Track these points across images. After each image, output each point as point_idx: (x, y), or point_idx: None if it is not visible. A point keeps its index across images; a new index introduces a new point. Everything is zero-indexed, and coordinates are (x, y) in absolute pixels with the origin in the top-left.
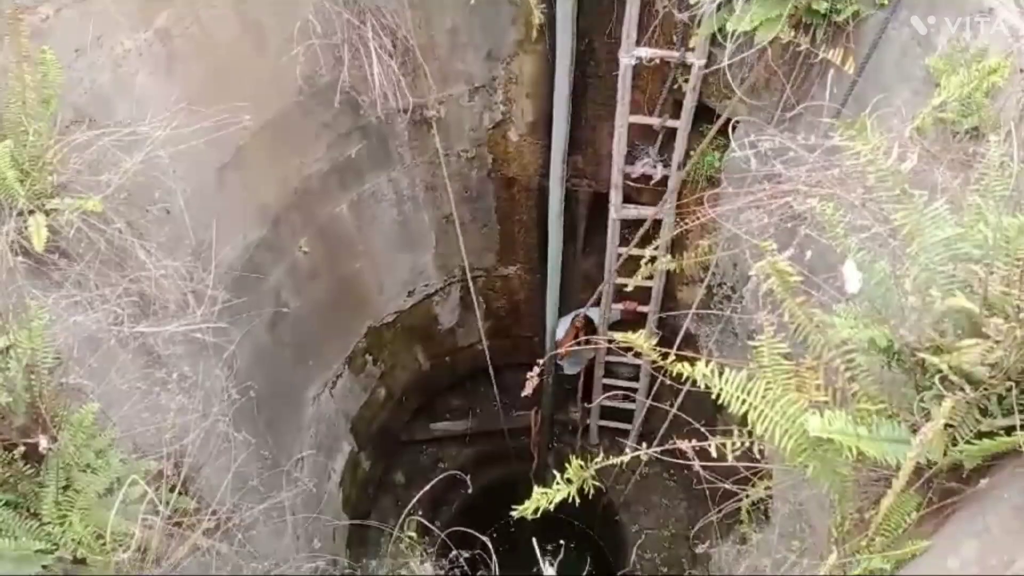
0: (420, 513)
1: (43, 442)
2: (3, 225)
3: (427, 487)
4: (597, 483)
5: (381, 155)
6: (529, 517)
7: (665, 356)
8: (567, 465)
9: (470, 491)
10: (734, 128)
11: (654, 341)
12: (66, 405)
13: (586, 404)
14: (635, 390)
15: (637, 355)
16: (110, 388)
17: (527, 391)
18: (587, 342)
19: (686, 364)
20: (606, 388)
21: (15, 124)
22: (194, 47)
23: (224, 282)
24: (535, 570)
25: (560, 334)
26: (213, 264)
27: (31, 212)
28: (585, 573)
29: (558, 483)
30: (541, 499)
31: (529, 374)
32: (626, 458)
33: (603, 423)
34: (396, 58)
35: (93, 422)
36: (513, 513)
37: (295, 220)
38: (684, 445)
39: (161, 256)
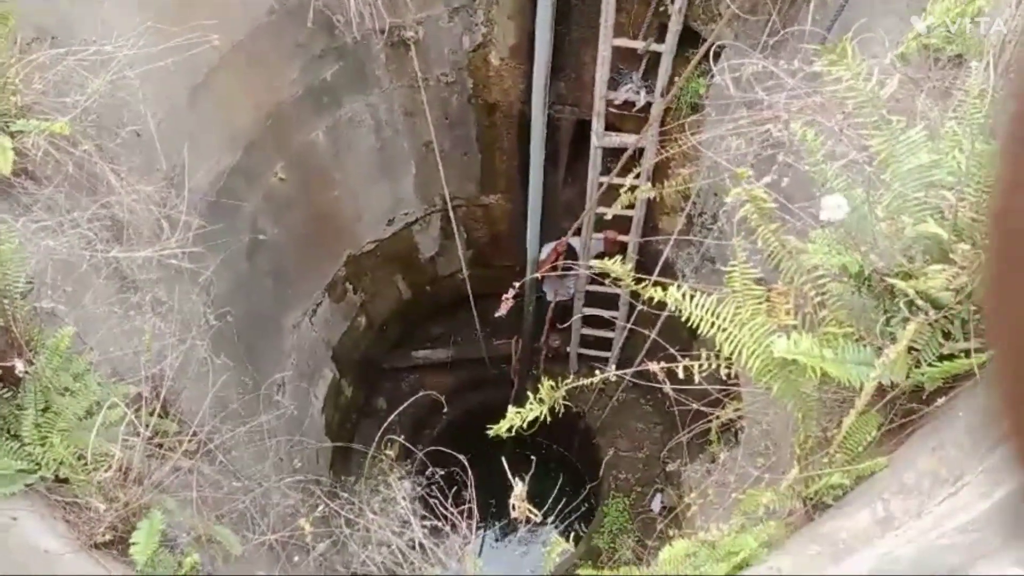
0: (402, 437)
1: (19, 365)
2: None
3: (406, 404)
4: (573, 406)
5: (358, 78)
6: (506, 436)
7: (640, 282)
8: (540, 386)
9: (450, 414)
10: (717, 54)
11: (632, 268)
12: (41, 329)
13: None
14: (615, 318)
15: (616, 283)
16: (85, 313)
17: (502, 311)
18: (567, 270)
19: (659, 289)
20: (586, 317)
21: None
22: None
23: (198, 208)
24: (509, 495)
25: (543, 251)
26: (186, 189)
27: None
28: (558, 486)
29: (531, 403)
30: (515, 417)
31: (505, 296)
32: (597, 379)
33: (582, 351)
34: None
35: (69, 346)
36: (488, 431)
37: (270, 145)
38: (654, 367)
39: (133, 180)
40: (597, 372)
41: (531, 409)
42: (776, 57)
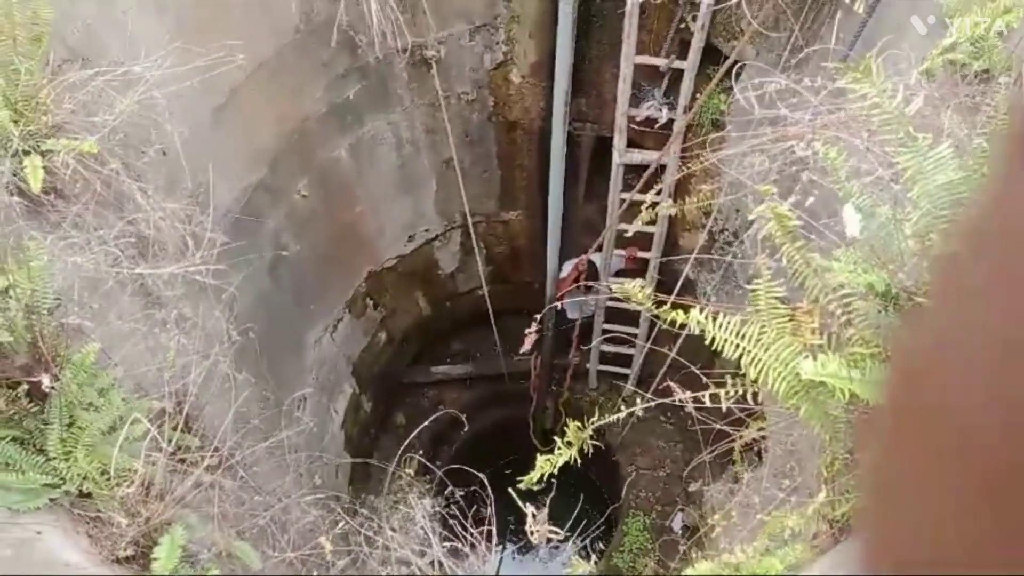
0: (420, 453)
1: (45, 380)
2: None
3: (426, 423)
4: (600, 440)
5: (380, 97)
6: (525, 450)
7: (660, 305)
8: (563, 417)
9: (469, 431)
10: (739, 72)
11: (652, 288)
12: (67, 345)
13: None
14: (635, 335)
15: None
16: (110, 329)
17: (526, 347)
18: (588, 288)
19: (680, 311)
20: (606, 333)
21: (6, 63)
22: None
23: (222, 225)
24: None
25: (565, 268)
26: (211, 206)
27: (26, 153)
28: (579, 505)
29: (559, 448)
30: (545, 466)
31: (527, 330)
32: (622, 415)
33: (602, 368)
34: None
35: (94, 361)
36: (520, 483)
37: (293, 163)
38: (677, 391)
39: (159, 198)
40: (621, 405)
41: (560, 454)
42: (799, 74)
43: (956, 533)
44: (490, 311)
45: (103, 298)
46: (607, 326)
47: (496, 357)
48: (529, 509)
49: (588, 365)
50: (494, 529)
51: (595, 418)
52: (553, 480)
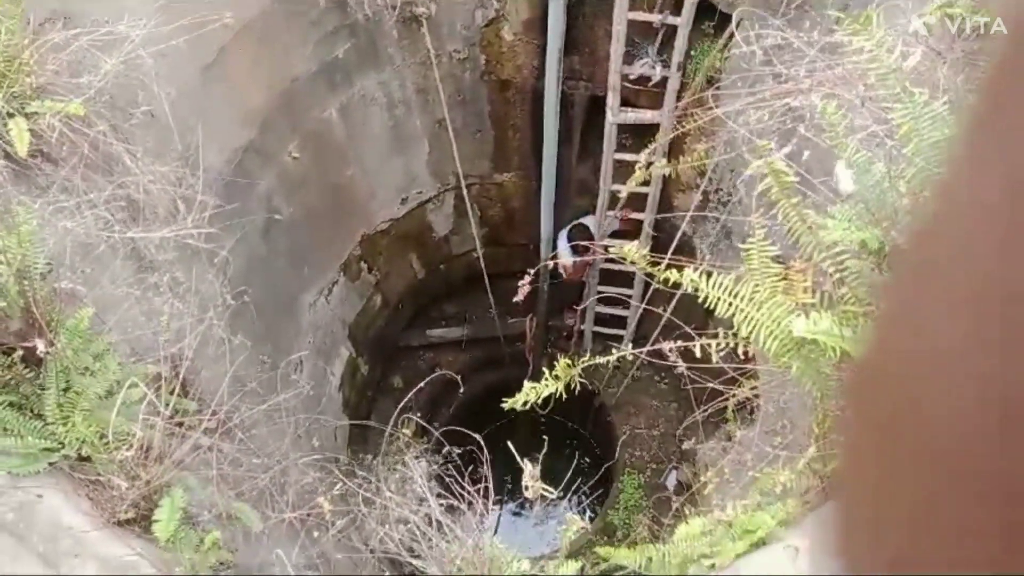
0: (418, 415)
1: (40, 346)
2: None
3: (421, 384)
4: (587, 383)
5: (370, 56)
6: (520, 413)
7: (655, 264)
8: (555, 363)
9: (465, 393)
10: (738, 25)
11: (649, 247)
12: (61, 310)
13: (566, 313)
14: (629, 296)
15: (632, 262)
16: (103, 293)
17: (519, 297)
18: (584, 250)
19: (674, 270)
20: (600, 295)
21: None
22: None
23: (214, 188)
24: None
25: (561, 247)
26: (201, 169)
27: (11, 115)
28: (574, 464)
29: (546, 379)
30: (530, 392)
31: (521, 281)
32: (612, 358)
33: (597, 329)
34: None
35: (89, 326)
36: (503, 404)
37: (283, 124)
38: (668, 346)
39: (148, 161)
40: (612, 350)
41: (546, 385)
42: (797, 27)
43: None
44: (484, 274)
45: (95, 263)
46: (601, 287)
47: (491, 320)
48: (526, 466)
49: (583, 327)
50: (491, 487)
51: (586, 357)
52: (545, 437)
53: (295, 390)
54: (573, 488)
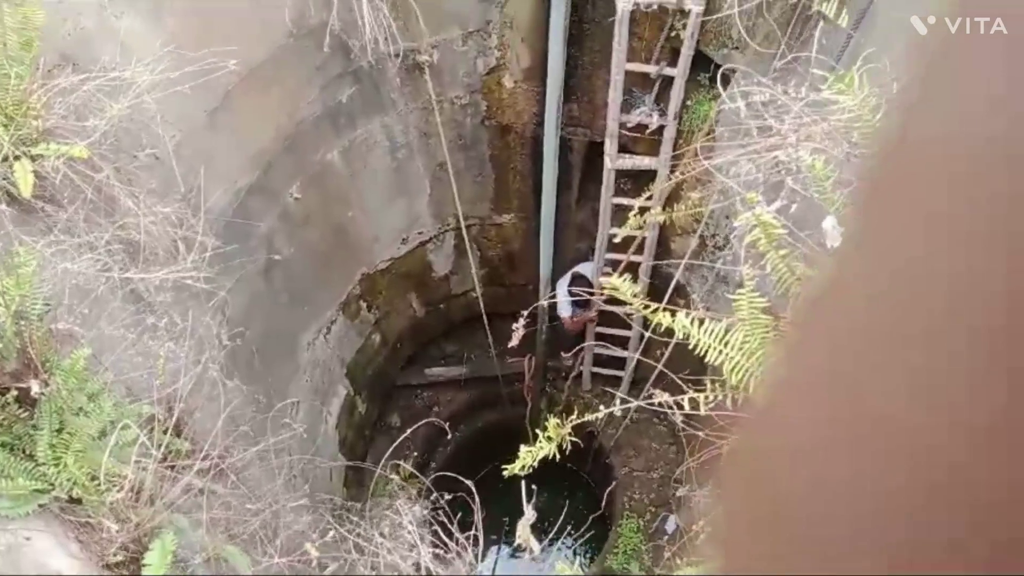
0: (416, 454)
1: (35, 387)
2: None
3: (408, 432)
4: (593, 427)
5: (374, 100)
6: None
7: (648, 306)
8: (546, 422)
9: (463, 432)
10: (727, 78)
11: (644, 291)
12: (57, 350)
13: (564, 354)
14: (628, 339)
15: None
16: (101, 334)
17: (514, 342)
18: (585, 303)
19: (667, 315)
20: (599, 336)
21: None
22: None
23: (215, 228)
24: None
25: (561, 297)
26: (203, 210)
27: (16, 158)
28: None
29: (540, 442)
30: (527, 456)
31: (515, 325)
32: (601, 415)
33: (596, 370)
34: (387, 0)
35: (84, 367)
36: (503, 471)
37: (287, 166)
38: (659, 399)
39: (151, 202)
40: (601, 406)
41: (541, 447)
42: (785, 83)
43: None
44: (483, 313)
45: (94, 303)
46: (600, 329)
47: (490, 359)
48: (527, 511)
49: (582, 367)
50: (480, 536)
51: (574, 415)
52: (542, 479)
53: (289, 431)
54: (569, 530)
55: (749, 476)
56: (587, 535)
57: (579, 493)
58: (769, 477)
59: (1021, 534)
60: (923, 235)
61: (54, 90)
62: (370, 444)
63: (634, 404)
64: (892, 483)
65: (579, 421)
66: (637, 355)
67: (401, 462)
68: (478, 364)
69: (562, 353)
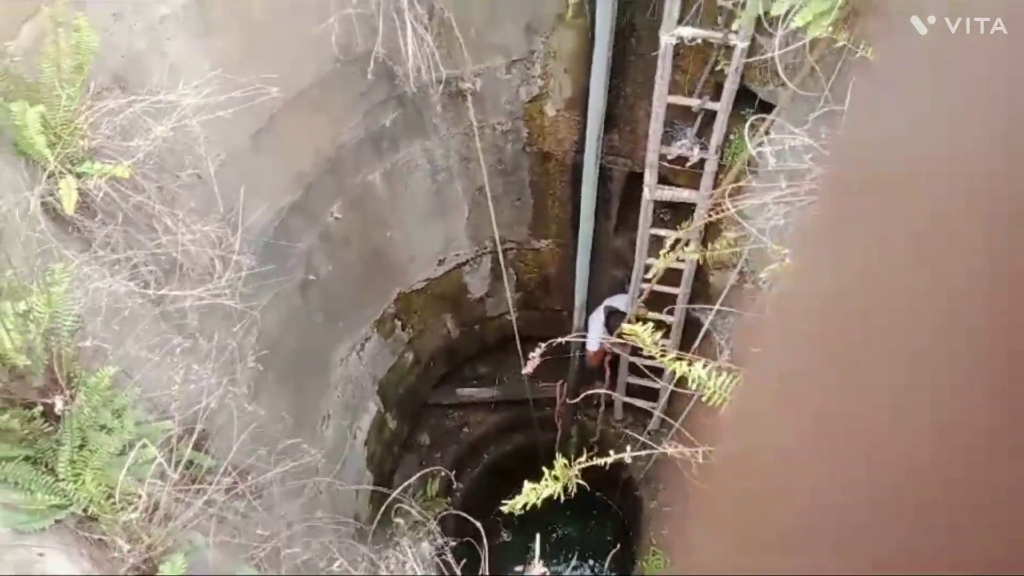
0: (443, 474)
1: (59, 403)
2: (35, 187)
3: (419, 473)
4: (618, 461)
5: (416, 125)
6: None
7: (664, 353)
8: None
9: (493, 452)
10: (769, 125)
11: (680, 325)
12: (86, 367)
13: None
14: (661, 371)
15: (664, 336)
16: (133, 351)
17: (527, 370)
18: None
19: (684, 364)
20: (632, 368)
21: (49, 89)
22: (231, 13)
23: (255, 247)
24: (551, 537)
25: (593, 329)
26: (240, 229)
27: (61, 175)
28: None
29: (546, 480)
30: (531, 495)
31: (532, 354)
32: (611, 459)
33: (629, 400)
34: (431, 30)
35: (110, 386)
36: (502, 506)
37: (328, 186)
38: (672, 451)
39: (191, 221)
40: (611, 452)
41: (546, 486)
42: (821, 127)
43: None
44: (517, 337)
45: (127, 320)
46: (633, 359)
47: (522, 383)
48: (537, 567)
49: (615, 396)
50: None
51: (582, 458)
52: (571, 505)
53: (317, 448)
54: (593, 564)
55: (723, 480)
56: (616, 567)
57: (608, 523)
58: (743, 481)
59: (985, 529)
60: (876, 246)
61: (102, 111)
62: (399, 461)
63: (644, 452)
64: (858, 486)
65: (587, 465)
66: (670, 387)
67: (432, 472)
68: (510, 387)
69: (595, 382)
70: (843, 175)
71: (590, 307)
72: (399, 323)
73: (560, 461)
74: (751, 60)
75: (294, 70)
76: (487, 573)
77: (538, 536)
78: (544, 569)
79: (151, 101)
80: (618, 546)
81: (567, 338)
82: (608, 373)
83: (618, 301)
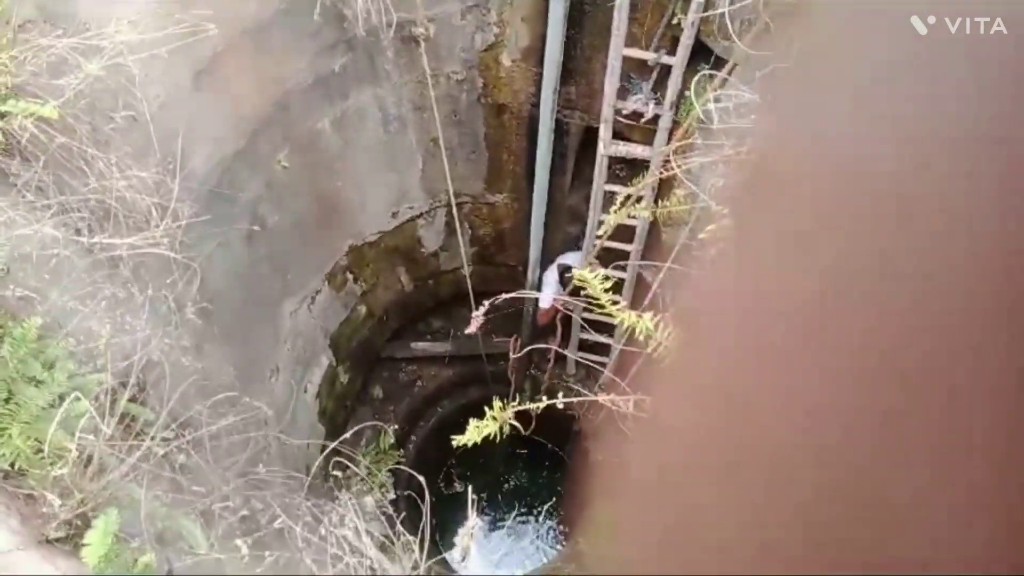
0: (396, 427)
1: None
2: None
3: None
4: (570, 410)
5: (367, 71)
6: (498, 439)
7: (616, 303)
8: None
9: (446, 406)
10: (724, 80)
11: (633, 281)
12: (12, 316)
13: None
14: (612, 328)
15: (615, 291)
16: (63, 301)
17: (471, 329)
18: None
19: (633, 315)
20: (585, 321)
21: None
22: None
23: (197, 195)
24: (503, 487)
25: (547, 285)
26: (179, 176)
27: None
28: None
29: (486, 420)
30: (474, 432)
31: (475, 313)
32: (541, 405)
33: (581, 355)
34: None
35: (38, 337)
36: (452, 440)
37: (275, 133)
38: (603, 399)
39: (126, 166)
40: (543, 398)
41: (486, 425)
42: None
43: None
44: (471, 292)
45: (57, 269)
46: (586, 315)
47: (476, 338)
48: (472, 518)
49: (567, 351)
50: (427, 533)
51: (516, 402)
52: (526, 456)
53: (258, 406)
54: (545, 510)
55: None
56: (562, 516)
57: (557, 473)
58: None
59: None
60: (787, 251)
61: (27, 47)
62: (351, 415)
63: (577, 400)
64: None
65: (520, 408)
66: (620, 345)
67: (386, 428)
68: (463, 342)
69: (548, 337)
70: (767, 170)
71: (544, 263)
72: (351, 276)
73: (498, 403)
74: (707, 14)
75: (236, 7)
76: (428, 524)
77: (470, 488)
78: (477, 520)
79: (81, 37)
80: (557, 496)
81: (513, 295)
82: (560, 330)
83: (571, 259)
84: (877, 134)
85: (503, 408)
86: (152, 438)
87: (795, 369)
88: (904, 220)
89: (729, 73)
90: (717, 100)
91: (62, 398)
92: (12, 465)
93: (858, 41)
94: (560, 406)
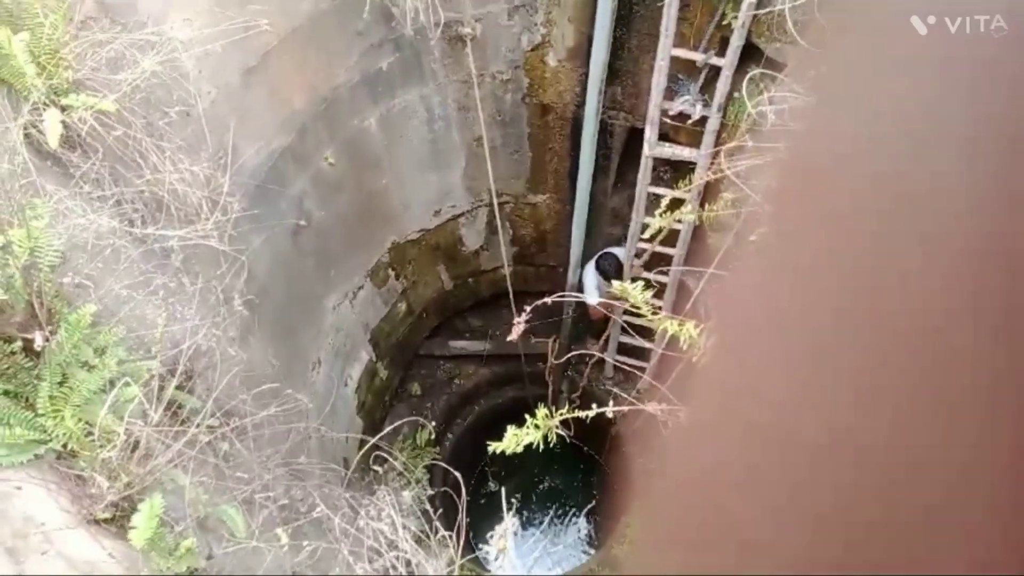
0: (434, 423)
1: (38, 339)
2: (18, 118)
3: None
4: (609, 417)
5: (414, 70)
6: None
7: (656, 313)
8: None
9: (483, 405)
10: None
11: (675, 286)
12: (68, 303)
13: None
14: (652, 332)
15: (657, 295)
16: (116, 289)
17: (512, 336)
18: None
19: (675, 323)
20: (624, 325)
21: (32, 16)
22: None
23: (245, 189)
24: (537, 488)
25: (588, 283)
26: (229, 170)
27: (45, 107)
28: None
29: (527, 428)
30: (512, 440)
31: (516, 320)
32: (592, 413)
33: (620, 359)
34: None
35: (92, 323)
36: (488, 446)
37: (322, 130)
38: (651, 408)
39: (178, 160)
40: (593, 405)
41: (527, 433)
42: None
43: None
44: (510, 292)
45: (110, 258)
46: (626, 318)
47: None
48: (508, 519)
49: (606, 355)
50: (463, 529)
51: (564, 409)
52: (561, 459)
53: (299, 398)
54: (580, 513)
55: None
56: (597, 520)
57: (593, 476)
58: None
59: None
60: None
61: (88, 42)
62: (389, 410)
63: (620, 409)
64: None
65: (568, 416)
66: (661, 349)
67: (422, 423)
68: (502, 341)
69: (587, 339)
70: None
71: (584, 265)
72: (392, 273)
73: (542, 411)
74: (759, 13)
75: (288, 6)
76: (464, 521)
77: (503, 490)
78: (513, 520)
79: (139, 34)
80: (592, 499)
81: (553, 298)
82: (608, 329)
83: (617, 250)
84: (882, 132)
85: (548, 416)
86: (197, 425)
87: (829, 373)
88: (927, 238)
89: (786, 74)
90: (771, 102)
91: (112, 383)
92: (64, 446)
93: (861, 40)
94: (597, 408)
